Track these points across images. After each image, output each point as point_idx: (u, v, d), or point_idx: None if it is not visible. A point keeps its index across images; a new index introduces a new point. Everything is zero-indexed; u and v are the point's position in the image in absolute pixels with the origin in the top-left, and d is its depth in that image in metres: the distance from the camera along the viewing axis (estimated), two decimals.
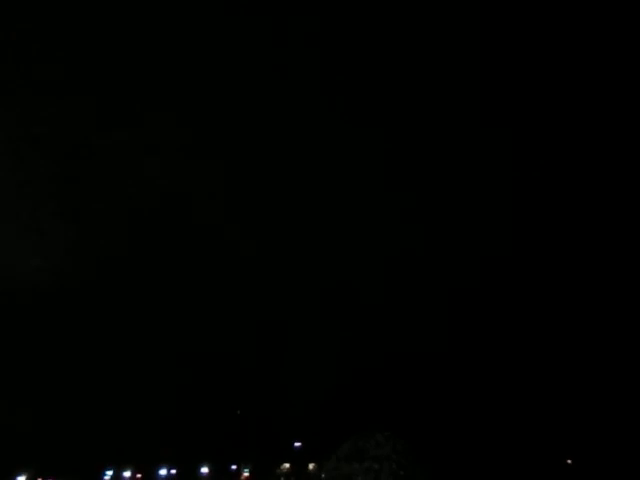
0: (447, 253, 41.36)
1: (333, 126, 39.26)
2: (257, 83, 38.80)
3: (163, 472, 50.52)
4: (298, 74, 37.70)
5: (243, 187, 42.43)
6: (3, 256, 38.52)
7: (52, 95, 34.91)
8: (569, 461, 38.36)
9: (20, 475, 45.91)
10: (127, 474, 50.89)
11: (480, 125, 38.03)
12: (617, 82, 34.81)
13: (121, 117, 37.00)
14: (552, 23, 34.37)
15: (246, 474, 50.83)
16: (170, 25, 35.18)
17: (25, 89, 34.06)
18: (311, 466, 48.69)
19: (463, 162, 39.49)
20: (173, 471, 50.97)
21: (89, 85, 35.18)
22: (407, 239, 41.44)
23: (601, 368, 37.78)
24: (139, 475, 51.73)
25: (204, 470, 49.88)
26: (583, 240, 38.13)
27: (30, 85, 34.12)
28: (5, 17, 30.37)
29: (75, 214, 40.18)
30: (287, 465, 49.43)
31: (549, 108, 37.11)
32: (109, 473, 50.82)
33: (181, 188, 40.95)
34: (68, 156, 37.24)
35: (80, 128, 36.67)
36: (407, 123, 39.02)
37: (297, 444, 48.33)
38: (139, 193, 39.90)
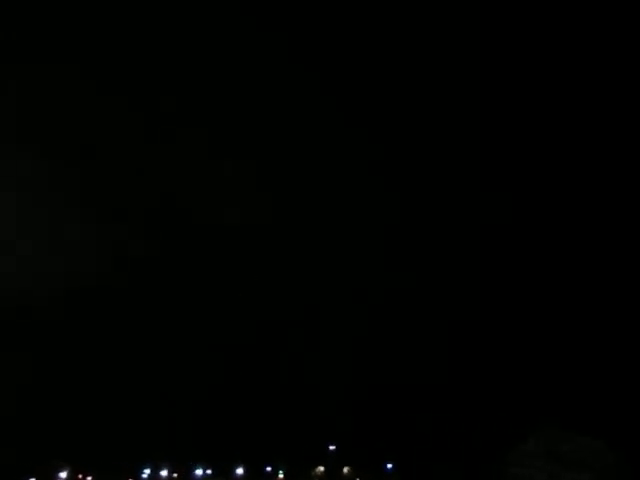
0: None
1: (335, 127, 39.16)
2: (262, 85, 38.97)
3: (199, 472, 51.09)
4: (300, 74, 37.75)
5: (258, 188, 42.60)
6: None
7: (72, 101, 35.62)
8: None
9: (61, 471, 46.99)
10: (164, 473, 51.63)
11: (479, 132, 37.51)
12: (617, 82, 33.99)
13: (133, 119, 37.53)
14: (552, 23, 33.81)
15: (281, 476, 50.97)
16: (174, 27, 35.56)
17: (47, 91, 34.79)
18: (345, 469, 48.58)
19: (463, 167, 38.97)
20: (209, 471, 51.48)
21: (108, 88, 35.80)
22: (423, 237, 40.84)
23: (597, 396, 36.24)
24: (175, 474, 52.41)
25: (239, 471, 50.23)
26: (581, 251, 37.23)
27: (54, 88, 34.84)
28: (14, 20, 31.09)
29: (93, 216, 40.84)
30: (321, 468, 49.40)
31: (550, 116, 36.43)
32: (147, 471, 51.62)
33: (191, 188, 41.27)
34: (79, 157, 37.96)
35: (92, 129, 37.37)
36: (409, 126, 38.69)
37: (332, 447, 48.27)
38: (149, 194, 40.42)
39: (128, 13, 36.98)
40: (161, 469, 51.25)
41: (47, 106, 38.20)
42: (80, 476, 49.74)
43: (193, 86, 41.75)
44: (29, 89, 36.71)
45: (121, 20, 37.14)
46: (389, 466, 46.55)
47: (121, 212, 42.73)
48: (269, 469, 51.14)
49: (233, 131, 42.81)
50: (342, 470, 48.92)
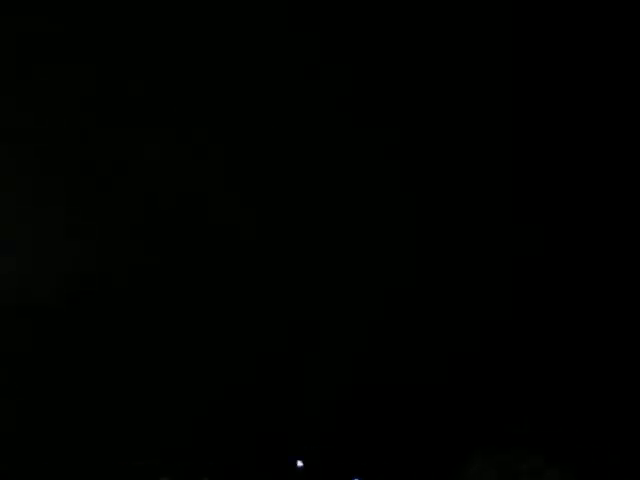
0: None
1: (343, 126, 38.78)
2: (267, 83, 38.48)
3: None
4: (302, 74, 37.40)
5: (259, 187, 41.93)
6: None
7: (69, 98, 34.72)
8: None
9: None
10: None
11: (481, 131, 37.31)
12: (617, 82, 34.07)
13: (132, 115, 36.75)
14: (553, 23, 33.88)
15: None
16: (171, 25, 35.04)
17: (47, 89, 33.84)
18: None
19: (464, 168, 38.73)
20: None
21: (103, 85, 34.98)
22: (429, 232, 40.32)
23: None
24: None
25: None
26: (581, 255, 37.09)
27: (54, 85, 33.90)
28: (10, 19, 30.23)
29: (92, 216, 39.81)
30: None
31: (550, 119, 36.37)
32: None
33: (196, 188, 40.47)
34: (77, 155, 36.99)
35: (90, 127, 36.45)
36: (408, 126, 38.43)
37: (299, 463, 47.33)
38: (153, 193, 39.51)
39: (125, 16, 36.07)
40: None
41: (44, 105, 37.07)
42: None
43: (184, 84, 40.97)
44: (25, 88, 35.59)
45: (106, 14, 36.19)
46: None
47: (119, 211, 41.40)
48: None
49: (232, 131, 42.04)
50: None
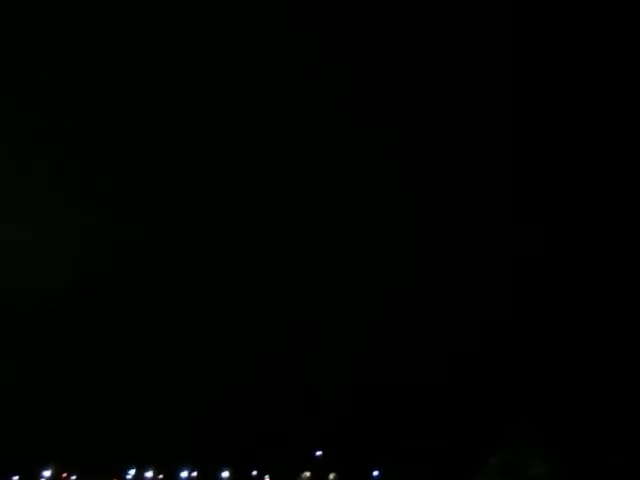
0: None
1: (340, 126, 39.02)
2: (266, 84, 38.90)
3: (184, 474, 50.77)
4: (301, 75, 37.70)
5: (258, 186, 42.45)
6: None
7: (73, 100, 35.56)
8: None
9: (45, 469, 46.63)
10: (149, 474, 51.27)
11: (481, 131, 37.26)
12: (617, 82, 33.83)
13: (132, 115, 37.39)
14: (553, 24, 33.79)
15: None
16: (171, 24, 35.58)
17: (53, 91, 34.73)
18: (332, 476, 48.40)
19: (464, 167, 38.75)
20: (194, 473, 51.17)
21: (106, 87, 35.71)
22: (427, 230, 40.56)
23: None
24: (161, 476, 52.07)
25: (225, 474, 49.96)
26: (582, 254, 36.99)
27: (60, 89, 34.78)
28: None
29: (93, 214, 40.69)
30: (307, 474, 49.21)
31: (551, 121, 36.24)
32: (132, 472, 51.26)
33: (196, 188, 41.18)
34: (75, 155, 37.82)
35: (90, 127, 37.22)
36: (408, 127, 38.53)
37: (318, 452, 48.10)
38: (154, 193, 40.30)
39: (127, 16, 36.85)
40: (146, 470, 50.91)
41: (43, 105, 38.05)
42: (64, 475, 49.38)
43: (184, 86, 41.63)
44: (24, 87, 36.61)
45: (107, 15, 36.87)
46: (375, 473, 46.46)
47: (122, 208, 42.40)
48: (255, 473, 50.94)
49: (232, 132, 42.73)
50: (328, 476, 48.74)
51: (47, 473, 46.64)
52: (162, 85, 39.87)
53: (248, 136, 42.27)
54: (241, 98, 40.51)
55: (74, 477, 49.73)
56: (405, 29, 36.78)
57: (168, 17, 37.37)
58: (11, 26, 33.65)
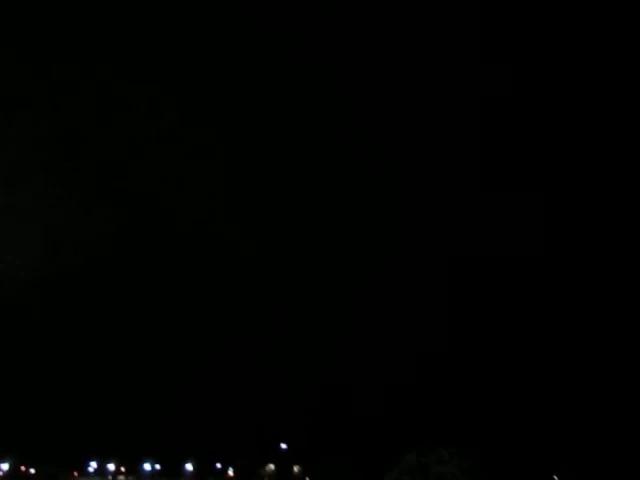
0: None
1: (331, 127, 39.13)
2: (258, 84, 38.72)
3: (147, 467, 50.28)
4: (298, 74, 37.62)
5: (243, 187, 42.36)
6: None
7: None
8: None
9: (3, 462, 45.66)
10: (111, 466, 50.65)
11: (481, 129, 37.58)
12: (617, 81, 34.32)
13: (132, 115, 36.88)
14: (553, 24, 34.15)
15: (230, 473, 50.57)
16: (169, 24, 35.13)
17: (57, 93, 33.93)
18: (296, 468, 48.47)
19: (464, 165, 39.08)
20: (157, 466, 50.73)
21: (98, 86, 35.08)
22: (405, 236, 40.92)
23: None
24: (123, 468, 51.47)
25: (189, 467, 49.63)
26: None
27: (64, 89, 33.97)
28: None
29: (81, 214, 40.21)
30: (272, 466, 49.19)
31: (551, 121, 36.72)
32: (93, 465, 50.58)
33: (182, 189, 40.92)
34: (68, 157, 37.20)
35: (79, 126, 36.60)
36: (407, 127, 38.74)
37: (283, 446, 48.11)
38: (140, 193, 39.91)
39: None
40: (108, 463, 50.28)
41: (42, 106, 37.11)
42: (23, 468, 48.47)
43: (186, 86, 41.06)
44: (25, 87, 35.65)
45: (109, 15, 36.11)
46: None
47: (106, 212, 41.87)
48: (219, 466, 50.72)
49: (231, 132, 42.33)
50: (292, 469, 48.80)
51: (5, 466, 45.68)
52: (162, 86, 39.23)
53: (247, 147, 42.05)
54: (241, 98, 40.19)
55: (33, 470, 48.84)
56: (405, 29, 36.83)
57: (168, 21, 36.70)
58: (10, 26, 32.71)
